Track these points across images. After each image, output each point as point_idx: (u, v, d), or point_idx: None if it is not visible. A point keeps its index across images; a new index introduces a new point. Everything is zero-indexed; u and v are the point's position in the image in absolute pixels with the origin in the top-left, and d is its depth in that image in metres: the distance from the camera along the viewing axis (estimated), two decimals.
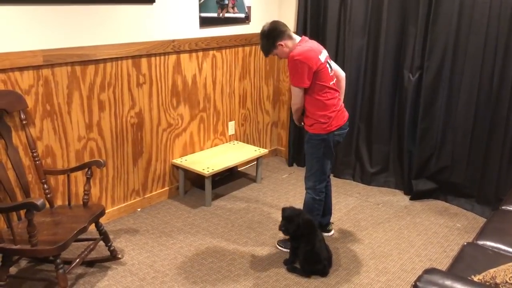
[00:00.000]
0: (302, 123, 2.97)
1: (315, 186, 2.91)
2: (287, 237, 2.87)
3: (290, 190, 3.98)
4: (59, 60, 2.83)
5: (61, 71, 2.88)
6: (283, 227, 2.72)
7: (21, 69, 2.68)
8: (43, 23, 2.73)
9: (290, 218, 2.70)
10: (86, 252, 2.63)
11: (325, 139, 2.81)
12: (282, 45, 2.77)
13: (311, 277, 2.77)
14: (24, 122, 2.66)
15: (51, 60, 2.79)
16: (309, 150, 2.88)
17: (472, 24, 3.38)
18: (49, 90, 2.84)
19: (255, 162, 4.12)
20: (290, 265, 2.84)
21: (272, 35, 2.78)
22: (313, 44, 2.81)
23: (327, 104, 2.77)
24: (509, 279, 1.65)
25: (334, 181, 4.19)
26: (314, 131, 2.82)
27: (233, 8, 3.89)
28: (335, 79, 2.87)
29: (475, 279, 1.80)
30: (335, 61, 4.06)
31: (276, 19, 4.52)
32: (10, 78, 2.65)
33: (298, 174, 4.28)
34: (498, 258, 2.10)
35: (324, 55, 2.79)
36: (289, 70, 2.75)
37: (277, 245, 3.08)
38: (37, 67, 2.75)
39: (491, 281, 1.71)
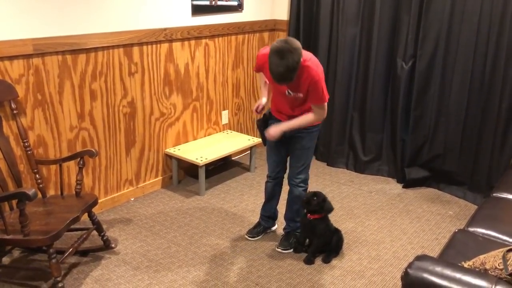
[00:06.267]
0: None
1: (307, 176, 2.93)
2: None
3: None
4: (50, 49, 2.80)
5: (52, 60, 2.85)
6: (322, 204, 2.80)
7: (10, 58, 2.65)
8: (33, 11, 2.69)
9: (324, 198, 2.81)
10: (79, 241, 2.63)
11: (319, 129, 2.83)
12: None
13: (304, 265, 2.80)
14: (15, 111, 2.64)
15: (41, 49, 2.76)
16: (309, 143, 2.83)
17: (465, 12, 3.37)
18: (40, 80, 2.82)
19: (249, 151, 4.12)
20: (301, 247, 2.93)
21: (298, 52, 2.30)
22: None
23: None
24: (498, 265, 1.66)
25: (328, 170, 4.21)
26: (313, 123, 2.79)
27: None
28: None
29: (465, 265, 1.82)
30: (329, 50, 4.08)
31: (269, 7, 4.49)
32: (0, 67, 2.62)
33: None
34: (488, 245, 2.13)
35: None
36: (316, 89, 2.50)
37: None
38: (27, 56, 2.72)
39: (480, 267, 1.73)
